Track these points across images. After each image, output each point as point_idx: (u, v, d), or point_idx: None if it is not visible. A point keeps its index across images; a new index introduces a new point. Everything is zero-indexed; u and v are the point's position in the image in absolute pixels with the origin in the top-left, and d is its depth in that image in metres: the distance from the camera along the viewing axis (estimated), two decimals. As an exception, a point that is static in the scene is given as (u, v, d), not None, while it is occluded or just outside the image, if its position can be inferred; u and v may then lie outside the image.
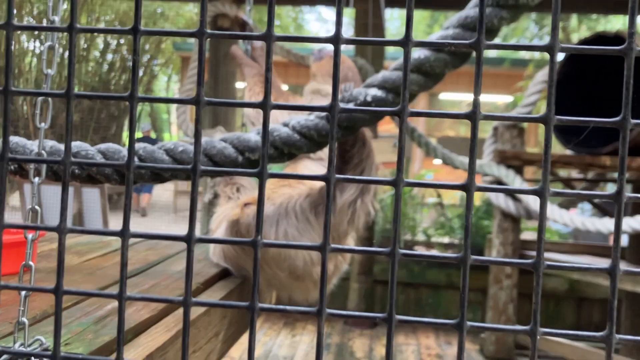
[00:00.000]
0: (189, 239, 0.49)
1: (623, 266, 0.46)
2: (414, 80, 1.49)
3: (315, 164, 1.90)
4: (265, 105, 0.47)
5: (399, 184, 0.46)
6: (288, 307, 0.47)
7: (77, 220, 4.36)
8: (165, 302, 0.46)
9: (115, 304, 1.22)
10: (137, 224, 7.06)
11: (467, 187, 0.45)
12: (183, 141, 1.64)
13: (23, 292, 0.77)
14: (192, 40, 9.39)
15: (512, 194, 3.06)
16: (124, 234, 0.48)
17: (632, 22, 0.48)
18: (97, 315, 1.15)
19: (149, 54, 9.46)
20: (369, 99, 1.42)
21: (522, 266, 0.47)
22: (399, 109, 0.47)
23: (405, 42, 0.46)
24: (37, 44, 8.62)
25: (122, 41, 8.79)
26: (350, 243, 1.76)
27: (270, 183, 1.96)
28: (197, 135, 0.48)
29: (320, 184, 1.63)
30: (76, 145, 1.43)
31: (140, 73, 9.81)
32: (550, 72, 0.44)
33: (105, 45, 8.94)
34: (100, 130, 8.53)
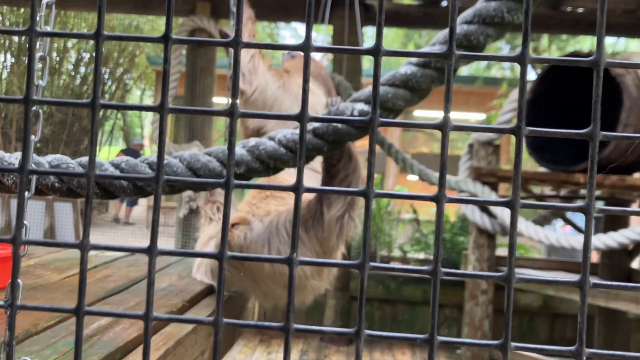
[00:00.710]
0: (150, 251, 0.47)
1: (594, 281, 0.46)
2: (400, 95, 1.49)
3: (306, 172, 1.90)
4: (233, 114, 0.46)
5: (370, 195, 0.45)
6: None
7: (49, 234, 4.27)
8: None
9: (101, 321, 1.19)
10: (109, 239, 6.96)
11: (437, 199, 0.44)
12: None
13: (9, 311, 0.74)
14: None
15: (486, 208, 3.07)
16: (83, 245, 0.47)
17: (600, 36, 0.48)
18: (84, 334, 1.12)
19: (123, 68, 9.39)
20: (355, 113, 1.42)
21: (493, 279, 0.46)
22: (369, 118, 0.46)
23: (376, 51, 0.46)
24: (8, 56, 8.51)
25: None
26: (339, 257, 1.76)
27: (252, 197, 1.95)
28: (160, 145, 0.47)
29: (308, 197, 1.63)
30: (56, 158, 1.40)
31: (114, 87, 9.73)
32: (520, 83, 0.44)
33: (77, 59, 8.85)
34: (71, 144, 8.42)
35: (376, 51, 0.46)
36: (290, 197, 1.81)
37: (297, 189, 0.47)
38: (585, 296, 0.44)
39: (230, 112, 0.46)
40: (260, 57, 2.05)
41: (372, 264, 0.45)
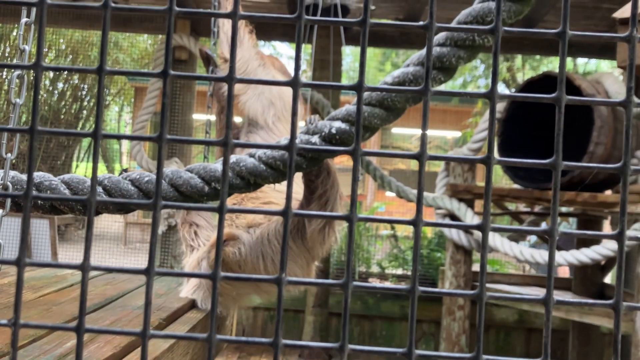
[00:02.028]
0: (148, 272, 0.50)
1: (567, 297, 0.50)
2: (376, 114, 1.55)
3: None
4: (227, 144, 0.50)
5: (353, 220, 0.49)
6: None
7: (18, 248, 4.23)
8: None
9: (75, 340, 1.20)
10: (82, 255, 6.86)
11: (415, 223, 0.48)
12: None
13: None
14: (145, 70, 9.34)
15: (456, 228, 3.15)
16: (85, 267, 0.49)
17: (562, 70, 0.52)
18: (57, 353, 1.13)
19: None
20: (333, 131, 1.47)
21: (467, 297, 0.50)
22: (353, 148, 0.50)
23: (359, 87, 0.50)
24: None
25: (81, 64, 8.67)
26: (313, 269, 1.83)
27: (238, 205, 1.99)
28: (159, 174, 0.50)
29: (295, 207, 1.69)
30: (39, 175, 1.42)
31: (92, 103, 9.68)
32: (490, 117, 0.48)
33: (55, 74, 8.80)
34: (48, 159, 8.34)
35: (359, 87, 0.50)
36: (271, 206, 1.85)
37: (286, 213, 0.50)
38: (550, 312, 0.48)
39: (225, 142, 0.50)
40: (246, 31, 2.11)
41: (355, 283, 0.49)
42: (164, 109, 0.50)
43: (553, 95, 0.49)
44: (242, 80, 0.51)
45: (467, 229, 3.93)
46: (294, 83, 0.50)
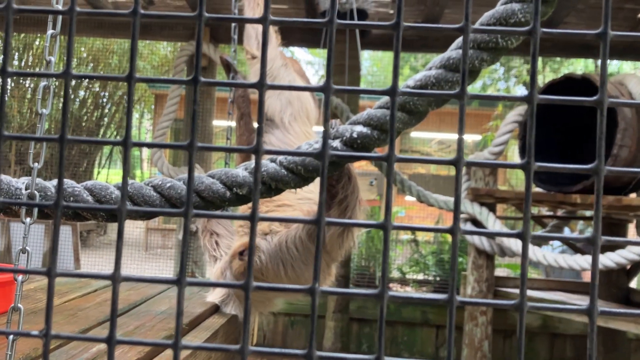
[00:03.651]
0: (179, 282, 0.49)
1: (602, 308, 0.48)
2: (398, 118, 1.53)
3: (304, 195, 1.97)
4: (258, 152, 0.49)
5: (388, 227, 0.47)
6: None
7: (49, 258, 4.28)
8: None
9: (100, 346, 1.20)
10: (107, 262, 6.94)
11: (453, 231, 0.47)
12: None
13: (10, 337, 0.76)
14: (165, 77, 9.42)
15: (493, 236, 3.11)
16: (115, 277, 0.49)
17: (604, 71, 0.51)
18: (83, 358, 1.13)
19: (122, 91, 9.47)
20: (354, 135, 1.46)
21: (505, 307, 0.48)
22: (387, 154, 0.49)
23: (392, 92, 0.49)
24: (8, 80, 8.57)
25: (80, 73, 8.77)
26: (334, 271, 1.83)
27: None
28: (189, 182, 0.49)
29: (313, 210, 1.68)
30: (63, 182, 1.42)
31: (113, 109, 9.78)
32: (529, 122, 0.47)
33: (76, 82, 8.91)
34: (70, 166, 8.43)
35: (393, 92, 0.49)
36: (286, 209, 1.85)
37: (318, 222, 0.49)
38: (594, 323, 0.47)
39: (256, 150, 0.49)
40: (273, 31, 2.12)
41: (391, 293, 0.48)
42: (194, 116, 0.49)
43: (594, 98, 0.47)
44: (273, 87, 0.50)
45: (506, 237, 3.86)
46: (325, 88, 0.49)
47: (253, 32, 2.08)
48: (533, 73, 0.48)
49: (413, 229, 0.49)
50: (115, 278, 0.49)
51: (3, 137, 0.50)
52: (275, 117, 2.05)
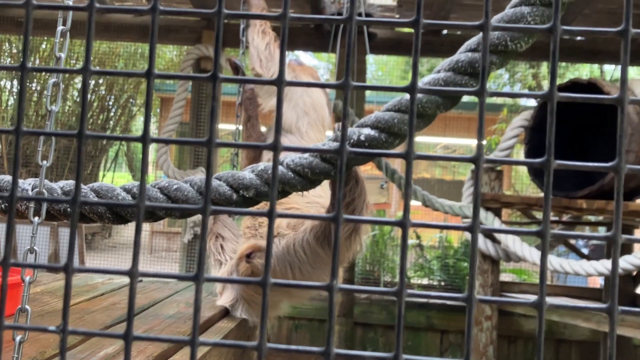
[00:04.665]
0: (197, 279, 0.49)
1: (622, 307, 0.48)
2: (406, 120, 1.54)
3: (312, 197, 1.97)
4: (276, 148, 0.49)
5: (407, 225, 0.47)
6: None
7: (53, 260, 4.28)
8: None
9: (108, 350, 1.20)
10: (112, 264, 6.95)
11: (472, 229, 0.47)
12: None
13: (18, 338, 0.76)
14: (171, 81, 9.39)
15: (490, 234, 3.10)
16: (133, 273, 0.49)
17: (625, 69, 0.50)
18: None
19: (128, 94, 9.49)
20: (362, 137, 1.46)
21: (525, 306, 0.48)
22: (406, 152, 0.48)
23: (412, 89, 0.48)
24: (15, 82, 8.62)
25: (100, 81, 8.81)
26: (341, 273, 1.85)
27: (252, 219, 1.99)
28: (208, 176, 0.49)
29: (320, 213, 1.70)
30: (69, 184, 1.43)
31: (119, 113, 9.81)
32: (549, 119, 0.47)
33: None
34: (75, 169, 8.39)
35: (412, 89, 0.48)
36: (293, 212, 1.87)
37: (336, 219, 0.49)
38: (614, 322, 0.46)
39: (274, 147, 0.49)
40: (276, 46, 2.12)
41: (409, 291, 0.47)
42: (212, 113, 0.49)
43: (615, 96, 0.47)
44: (291, 84, 0.50)
45: (525, 235, 3.88)
46: (344, 85, 0.49)
47: (254, 51, 2.09)
48: (553, 71, 0.48)
49: (432, 227, 0.48)
50: (132, 274, 0.49)
51: (21, 132, 0.50)
52: (292, 127, 2.07)
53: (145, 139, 0.49)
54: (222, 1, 0.49)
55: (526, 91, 0.48)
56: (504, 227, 3.92)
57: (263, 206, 1.90)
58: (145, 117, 0.49)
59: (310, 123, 2.06)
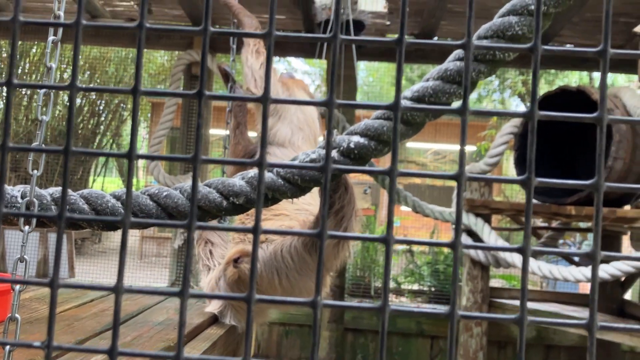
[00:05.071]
0: (182, 294, 0.49)
1: (587, 313, 0.48)
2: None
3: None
4: (261, 165, 0.49)
5: (390, 241, 0.48)
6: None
7: (42, 266, 4.25)
8: None
9: (98, 357, 1.20)
10: (101, 270, 6.92)
11: (454, 245, 0.47)
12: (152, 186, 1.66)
13: (7, 347, 0.76)
14: (162, 87, 9.37)
15: (480, 240, 3.10)
16: (118, 289, 0.49)
17: (603, 89, 0.51)
18: None
19: (119, 99, 9.47)
20: (352, 145, 1.47)
21: (506, 322, 0.48)
22: (390, 169, 0.49)
23: (395, 107, 0.49)
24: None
25: (91, 85, 8.77)
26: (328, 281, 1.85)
27: (240, 224, 1.99)
28: (194, 192, 0.49)
29: (309, 220, 1.69)
30: (58, 190, 1.43)
31: (109, 118, 9.78)
32: (530, 137, 0.48)
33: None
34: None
35: (396, 107, 0.49)
36: (283, 219, 1.87)
37: (321, 235, 0.50)
38: (593, 337, 0.47)
39: (260, 163, 0.49)
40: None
41: (392, 307, 0.48)
42: (198, 129, 0.49)
43: (594, 115, 0.48)
44: (276, 101, 0.50)
45: (506, 251, 3.87)
46: (328, 103, 0.50)
47: (249, 70, 2.10)
48: (534, 90, 0.48)
49: (414, 243, 0.49)
50: (118, 290, 0.49)
51: (7, 148, 0.50)
52: (286, 142, 2.09)
53: (131, 156, 0.49)
54: (209, 20, 0.50)
55: (508, 110, 0.49)
56: (493, 233, 3.94)
57: (253, 213, 1.91)
58: (131, 134, 0.49)
59: (304, 138, 2.09)
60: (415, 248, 6.16)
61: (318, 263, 0.49)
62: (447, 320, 0.51)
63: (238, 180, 1.55)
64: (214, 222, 2.29)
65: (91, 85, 0.47)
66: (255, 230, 0.50)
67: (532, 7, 1.51)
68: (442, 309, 0.47)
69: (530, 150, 0.47)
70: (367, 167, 0.47)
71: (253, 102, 0.48)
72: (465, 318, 0.47)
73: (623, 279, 4.20)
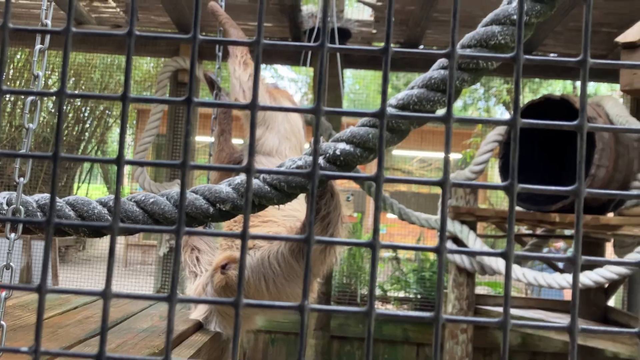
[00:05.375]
0: (170, 300, 0.50)
1: (582, 326, 0.50)
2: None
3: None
4: (249, 171, 0.50)
5: (376, 247, 0.49)
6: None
7: (25, 273, 4.21)
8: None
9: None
10: (85, 277, 6.86)
11: (439, 250, 0.48)
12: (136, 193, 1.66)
13: (-7, 354, 0.75)
14: (147, 93, 9.34)
15: (479, 255, 3.14)
16: (106, 294, 0.49)
17: (583, 98, 0.53)
18: None
19: (104, 106, 9.42)
20: (337, 152, 1.48)
21: (489, 325, 0.49)
22: (375, 175, 0.50)
23: (381, 114, 0.50)
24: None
25: (76, 92, 8.71)
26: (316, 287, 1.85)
27: (228, 230, 2.00)
28: (182, 199, 0.50)
29: (296, 227, 1.70)
30: (43, 197, 1.42)
31: (94, 125, 9.72)
32: (513, 144, 0.49)
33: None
34: (49, 181, 8.29)
35: (381, 114, 0.50)
36: (270, 225, 1.88)
37: (308, 240, 0.50)
38: (575, 340, 0.48)
39: (247, 169, 0.50)
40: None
41: (378, 311, 0.49)
42: (186, 136, 0.50)
43: (575, 122, 0.49)
44: (265, 108, 0.51)
45: (490, 256, 3.90)
46: (316, 110, 0.51)
47: (237, 82, 2.11)
48: (516, 98, 0.50)
49: (400, 248, 0.50)
50: (106, 295, 0.49)
51: (-4, 154, 0.50)
52: (273, 151, 2.11)
53: (119, 162, 0.49)
54: (197, 27, 0.51)
55: (492, 118, 0.50)
56: (478, 240, 3.97)
57: (241, 219, 1.91)
58: (120, 139, 0.50)
59: (291, 148, 2.11)
60: (401, 255, 6.17)
61: (305, 268, 0.50)
62: (432, 325, 0.52)
63: (225, 187, 1.55)
64: (200, 228, 2.29)
65: (80, 92, 0.48)
66: (244, 236, 0.50)
67: (515, 16, 1.53)
68: (426, 315, 0.48)
69: (513, 157, 0.49)
70: (353, 174, 0.47)
71: (241, 109, 0.48)
72: (450, 322, 0.48)
73: (606, 285, 4.25)
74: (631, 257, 3.69)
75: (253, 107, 0.50)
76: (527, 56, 0.49)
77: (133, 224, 1.55)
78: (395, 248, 0.50)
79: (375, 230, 0.49)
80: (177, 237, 0.50)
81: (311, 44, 0.52)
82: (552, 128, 0.49)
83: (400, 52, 0.51)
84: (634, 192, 0.50)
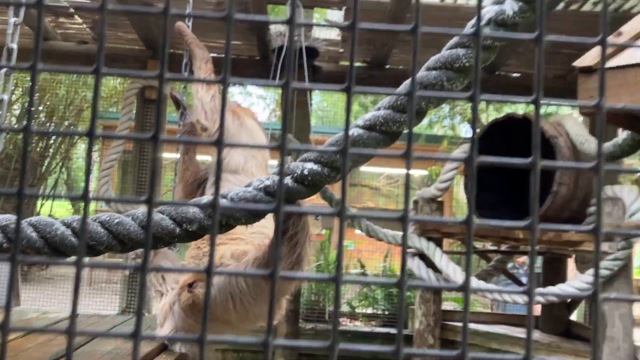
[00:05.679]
0: (135, 336, 0.50)
1: (536, 335, 0.52)
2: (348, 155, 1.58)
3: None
4: (214, 207, 0.51)
5: (339, 281, 0.50)
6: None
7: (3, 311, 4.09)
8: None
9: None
10: (47, 297, 6.70)
11: (400, 285, 0.50)
12: (105, 211, 1.64)
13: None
14: (114, 109, 9.23)
15: (432, 264, 3.13)
16: (70, 332, 0.49)
17: (536, 135, 0.55)
18: None
19: (69, 121, 9.26)
20: (305, 172, 1.49)
21: (450, 358, 0.51)
22: (339, 210, 0.51)
23: (344, 152, 0.52)
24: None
25: (40, 107, 8.58)
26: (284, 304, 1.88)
27: (196, 249, 2.00)
28: (147, 235, 0.50)
29: (264, 244, 1.71)
30: (5, 218, 1.40)
31: (59, 141, 9.55)
32: (470, 182, 0.51)
33: (21, 112, 8.70)
34: (12, 199, 8.09)
35: (344, 152, 0.52)
36: (238, 243, 1.89)
37: (273, 275, 0.51)
38: (530, 370, 0.50)
39: (213, 205, 0.51)
40: (218, 91, 2.16)
41: (342, 346, 0.50)
42: (153, 173, 0.51)
43: (529, 160, 0.52)
44: (231, 145, 0.52)
45: (450, 290, 3.98)
46: (281, 147, 0.52)
47: (199, 103, 2.11)
48: (473, 134, 0.52)
49: (363, 283, 0.51)
50: (70, 332, 0.49)
51: (-41, 190, 0.50)
52: (239, 169, 2.12)
53: (86, 198, 0.50)
54: (164, 65, 0.51)
55: (449, 155, 0.52)
56: (444, 257, 4.01)
57: (208, 238, 1.91)
58: (85, 178, 0.50)
59: (257, 165, 2.12)
60: (369, 270, 6.20)
61: (270, 302, 0.51)
62: (408, 339, 0.53)
63: (192, 207, 1.55)
64: (165, 249, 2.27)
65: (46, 129, 0.48)
66: (209, 272, 0.51)
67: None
68: (387, 349, 0.50)
69: (471, 193, 0.51)
70: (317, 210, 0.49)
71: (207, 145, 0.50)
72: (410, 356, 0.49)
73: (569, 301, 4.34)
74: (588, 273, 3.79)
75: (219, 144, 0.51)
76: (482, 97, 0.51)
77: (97, 246, 1.53)
78: (357, 283, 0.51)
79: (338, 265, 0.51)
80: (142, 274, 0.50)
81: (278, 82, 0.53)
82: (507, 166, 0.52)
83: (363, 92, 0.53)
84: (584, 227, 0.52)
